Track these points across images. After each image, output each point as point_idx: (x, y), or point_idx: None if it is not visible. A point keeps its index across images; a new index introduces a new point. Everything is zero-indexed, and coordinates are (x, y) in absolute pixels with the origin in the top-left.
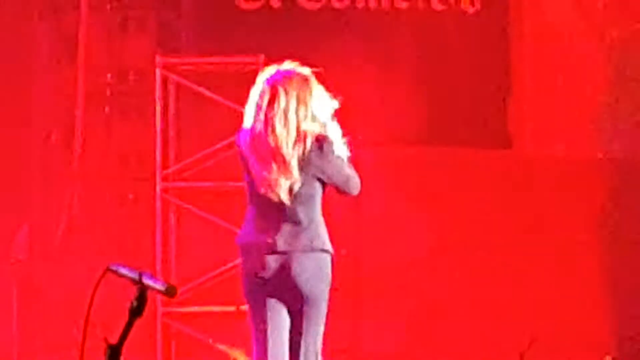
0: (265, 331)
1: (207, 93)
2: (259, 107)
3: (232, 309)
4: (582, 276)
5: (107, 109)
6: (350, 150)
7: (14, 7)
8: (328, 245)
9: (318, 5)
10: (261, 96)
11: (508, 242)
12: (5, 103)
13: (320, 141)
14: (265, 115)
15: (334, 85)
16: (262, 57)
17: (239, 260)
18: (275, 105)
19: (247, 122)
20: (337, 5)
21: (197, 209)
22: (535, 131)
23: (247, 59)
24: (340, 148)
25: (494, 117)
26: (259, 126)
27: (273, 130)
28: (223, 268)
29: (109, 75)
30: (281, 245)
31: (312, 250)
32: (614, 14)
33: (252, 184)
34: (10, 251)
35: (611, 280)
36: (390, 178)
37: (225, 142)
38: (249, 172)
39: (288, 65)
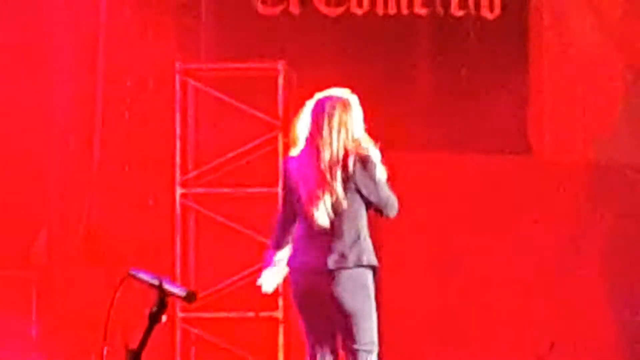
0: (318, 349)
1: (227, 99)
2: (306, 131)
3: (251, 314)
4: (601, 281)
5: (126, 114)
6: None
7: (33, 13)
8: (374, 260)
9: (338, 11)
10: (309, 121)
11: (527, 247)
12: (25, 109)
13: (364, 160)
14: (311, 138)
15: (354, 91)
16: (281, 63)
17: (258, 266)
18: (320, 128)
19: (296, 149)
20: (356, 11)
21: (217, 215)
22: (554, 137)
23: (267, 65)
24: (380, 169)
25: (513, 122)
26: (306, 149)
27: (318, 152)
28: (243, 274)
29: (128, 81)
30: (331, 264)
31: (360, 266)
32: (633, 21)
33: (300, 206)
34: (29, 256)
35: (628, 286)
36: (409, 184)
37: (244, 148)
38: (298, 195)
39: (333, 91)
